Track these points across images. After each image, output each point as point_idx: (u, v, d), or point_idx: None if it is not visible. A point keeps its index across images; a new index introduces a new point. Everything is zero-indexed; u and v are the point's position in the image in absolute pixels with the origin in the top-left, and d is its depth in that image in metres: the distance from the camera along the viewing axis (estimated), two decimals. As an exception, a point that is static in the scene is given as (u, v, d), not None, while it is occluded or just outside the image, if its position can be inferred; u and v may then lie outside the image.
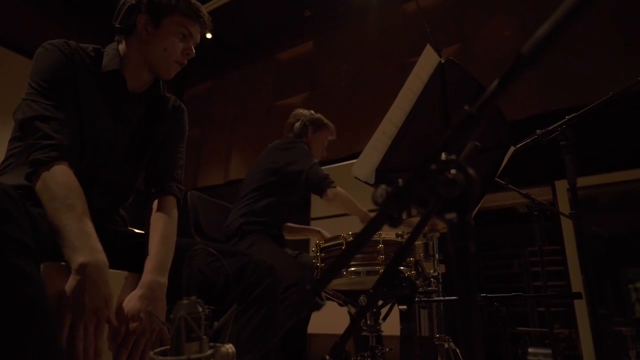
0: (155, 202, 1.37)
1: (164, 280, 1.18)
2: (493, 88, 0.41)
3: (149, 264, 1.19)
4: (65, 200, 1.05)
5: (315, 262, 1.69)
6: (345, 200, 2.19)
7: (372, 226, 0.50)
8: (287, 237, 2.45)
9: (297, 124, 2.52)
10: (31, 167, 1.09)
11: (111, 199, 1.40)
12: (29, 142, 1.11)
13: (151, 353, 0.64)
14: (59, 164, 1.09)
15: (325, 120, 2.60)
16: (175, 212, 1.38)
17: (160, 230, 1.28)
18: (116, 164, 1.34)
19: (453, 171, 0.43)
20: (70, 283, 0.97)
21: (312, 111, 2.60)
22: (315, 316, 2.20)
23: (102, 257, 1.02)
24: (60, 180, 1.07)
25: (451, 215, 0.43)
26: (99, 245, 1.04)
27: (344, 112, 5.04)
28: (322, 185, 2.15)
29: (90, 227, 1.05)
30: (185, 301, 0.64)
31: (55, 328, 0.88)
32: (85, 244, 1.01)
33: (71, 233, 1.01)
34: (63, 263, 1.01)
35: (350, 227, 1.70)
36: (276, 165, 2.31)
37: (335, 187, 2.16)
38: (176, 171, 1.45)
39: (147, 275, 1.16)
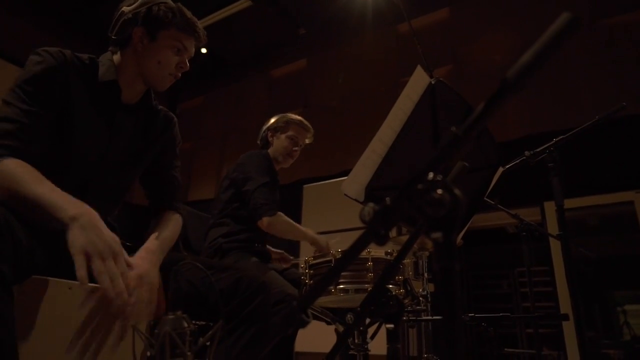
0: (162, 215, 1.43)
1: (163, 255, 1.22)
2: (479, 111, 0.42)
3: (153, 238, 1.23)
4: (30, 175, 1.02)
5: (303, 278, 1.68)
6: (282, 230, 2.14)
7: (359, 244, 0.50)
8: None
9: (262, 134, 2.48)
10: None
11: (102, 207, 1.39)
12: None
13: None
14: (10, 159, 1.05)
15: (291, 118, 2.45)
16: (180, 224, 1.44)
17: (164, 224, 1.35)
18: (108, 173, 1.34)
19: (440, 191, 0.43)
20: (71, 234, 0.94)
21: (283, 115, 2.48)
22: (302, 334, 2.17)
23: (90, 208, 1.01)
24: (15, 165, 1.04)
25: (437, 235, 0.44)
26: (82, 202, 1.02)
27: (335, 130, 5.07)
28: (259, 212, 2.10)
29: (66, 193, 1.03)
30: (171, 316, 0.64)
31: None
32: (68, 201, 1.00)
33: (50, 197, 0.99)
34: (47, 278, 0.99)
35: (344, 243, 1.68)
36: (232, 180, 2.27)
37: (272, 215, 2.10)
38: (179, 191, 1.53)
39: (151, 243, 1.20)
